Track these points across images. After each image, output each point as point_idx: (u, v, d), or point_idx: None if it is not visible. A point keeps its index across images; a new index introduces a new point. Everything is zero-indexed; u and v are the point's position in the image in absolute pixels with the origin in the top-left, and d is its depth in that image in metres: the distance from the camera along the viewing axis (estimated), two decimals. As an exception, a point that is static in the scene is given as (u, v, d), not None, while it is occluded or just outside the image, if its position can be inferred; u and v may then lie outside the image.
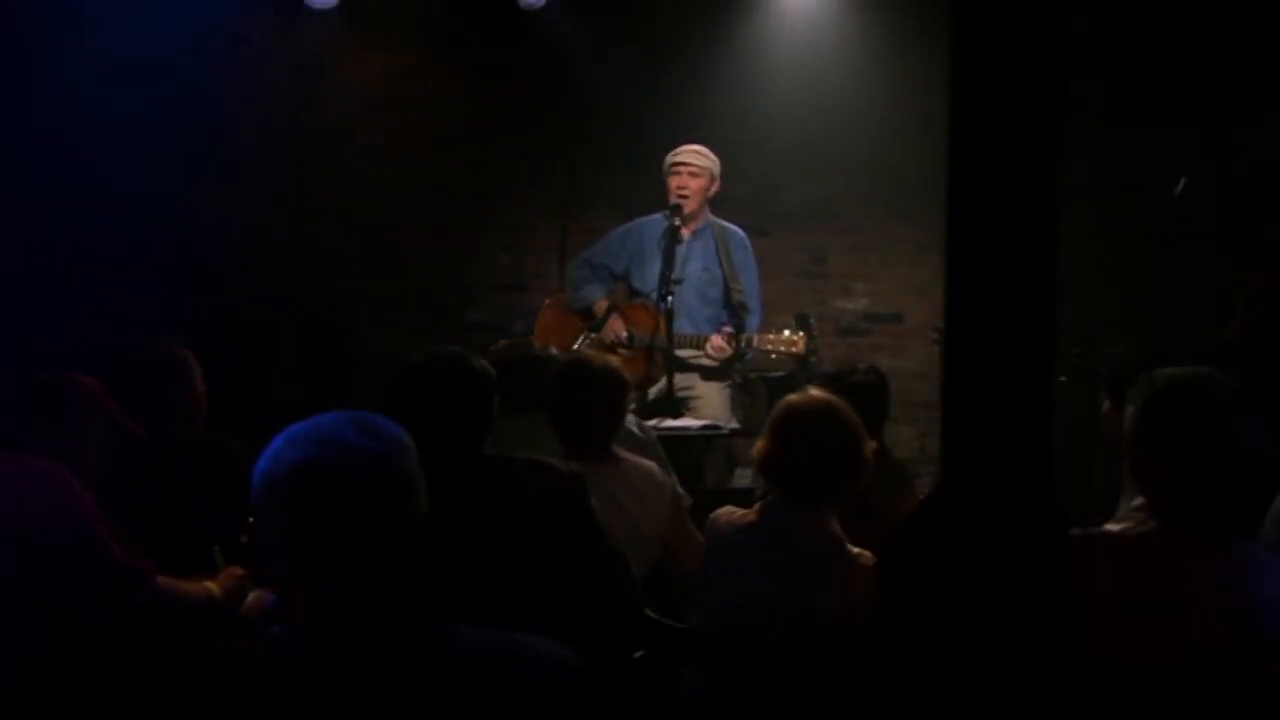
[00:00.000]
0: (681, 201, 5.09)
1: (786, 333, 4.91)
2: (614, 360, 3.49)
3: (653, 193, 5.41)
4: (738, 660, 2.89)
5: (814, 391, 3.11)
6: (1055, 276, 1.67)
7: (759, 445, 3.02)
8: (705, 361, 5.06)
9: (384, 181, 6.58)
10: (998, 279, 1.64)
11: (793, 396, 3.05)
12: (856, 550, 2.93)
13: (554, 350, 3.84)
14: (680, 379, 5.01)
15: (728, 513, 3.07)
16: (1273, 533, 3.64)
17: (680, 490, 3.56)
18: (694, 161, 5.17)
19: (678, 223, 4.99)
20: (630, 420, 3.98)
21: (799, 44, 6.43)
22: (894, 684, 1.85)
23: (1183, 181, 5.43)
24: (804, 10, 6.40)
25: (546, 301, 5.47)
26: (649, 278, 5.04)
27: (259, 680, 1.53)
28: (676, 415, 4.90)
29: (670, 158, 5.21)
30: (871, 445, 3.02)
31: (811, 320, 6.07)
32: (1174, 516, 2.42)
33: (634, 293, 5.25)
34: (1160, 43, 5.74)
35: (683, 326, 5.04)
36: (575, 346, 4.98)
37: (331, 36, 6.55)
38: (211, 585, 2.92)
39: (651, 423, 4.55)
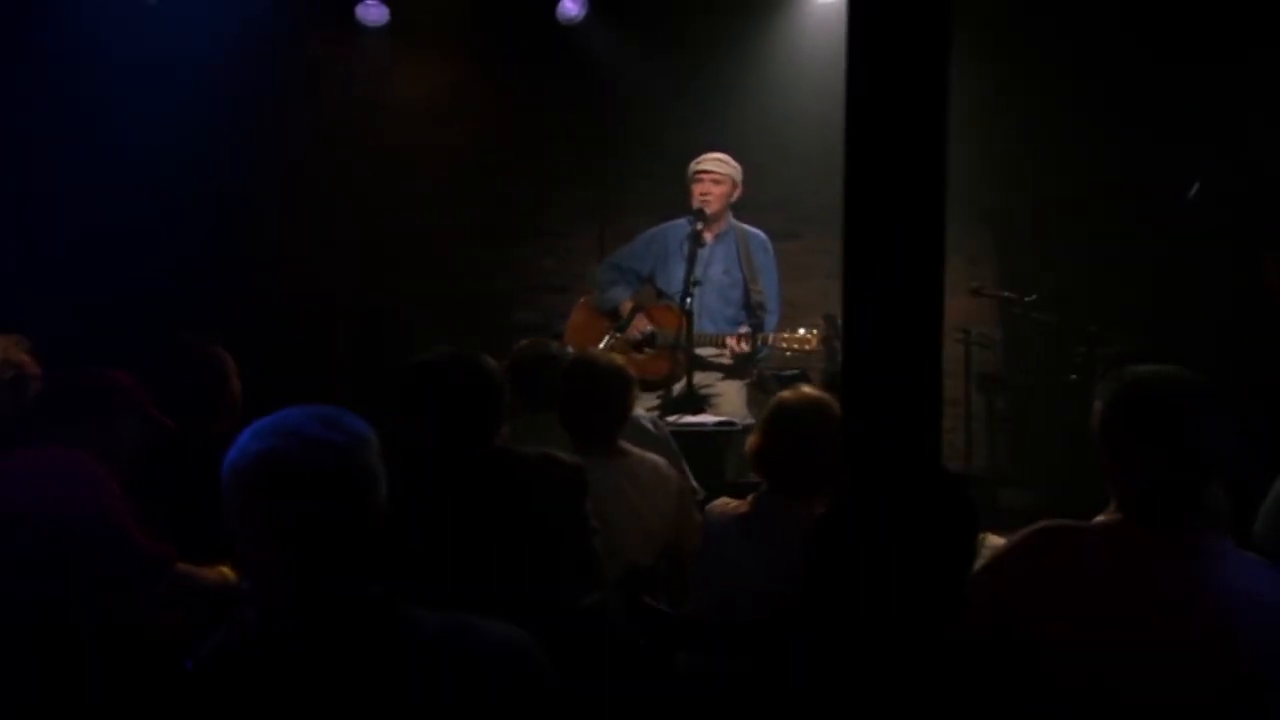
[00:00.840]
0: (704, 206, 5.11)
1: (801, 331, 4.92)
2: (619, 359, 3.52)
3: (686, 197, 5.42)
4: (728, 645, 2.92)
5: (805, 389, 3.12)
6: (940, 269, 1.68)
7: (751, 439, 3.05)
8: (725, 360, 5.07)
9: (433, 189, 6.68)
10: (889, 273, 1.65)
11: (784, 393, 3.07)
12: (847, 541, 2.95)
13: (571, 350, 3.87)
14: (701, 377, 5.02)
15: (722, 504, 3.10)
16: (1264, 527, 3.63)
17: (693, 484, 3.59)
18: (716, 169, 5.19)
19: (699, 227, 5.00)
20: (645, 417, 4.03)
21: (824, 52, 6.41)
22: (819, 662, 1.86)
23: (1197, 185, 5.37)
24: (828, 19, 6.39)
25: (580, 302, 5.51)
26: (673, 279, 5.06)
27: (230, 662, 1.57)
28: (697, 411, 4.92)
29: (693, 165, 5.23)
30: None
31: (839, 321, 6.09)
32: (1137, 509, 2.42)
33: (659, 294, 5.29)
34: (1173, 43, 5.67)
35: (704, 326, 5.08)
36: (601, 345, 5.01)
37: (383, 52, 6.65)
38: (228, 571, 2.98)
39: (671, 418, 4.59)
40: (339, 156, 6.50)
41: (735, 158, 5.65)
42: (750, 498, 3.06)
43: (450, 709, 1.56)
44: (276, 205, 6.30)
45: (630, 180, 6.69)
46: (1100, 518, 3.26)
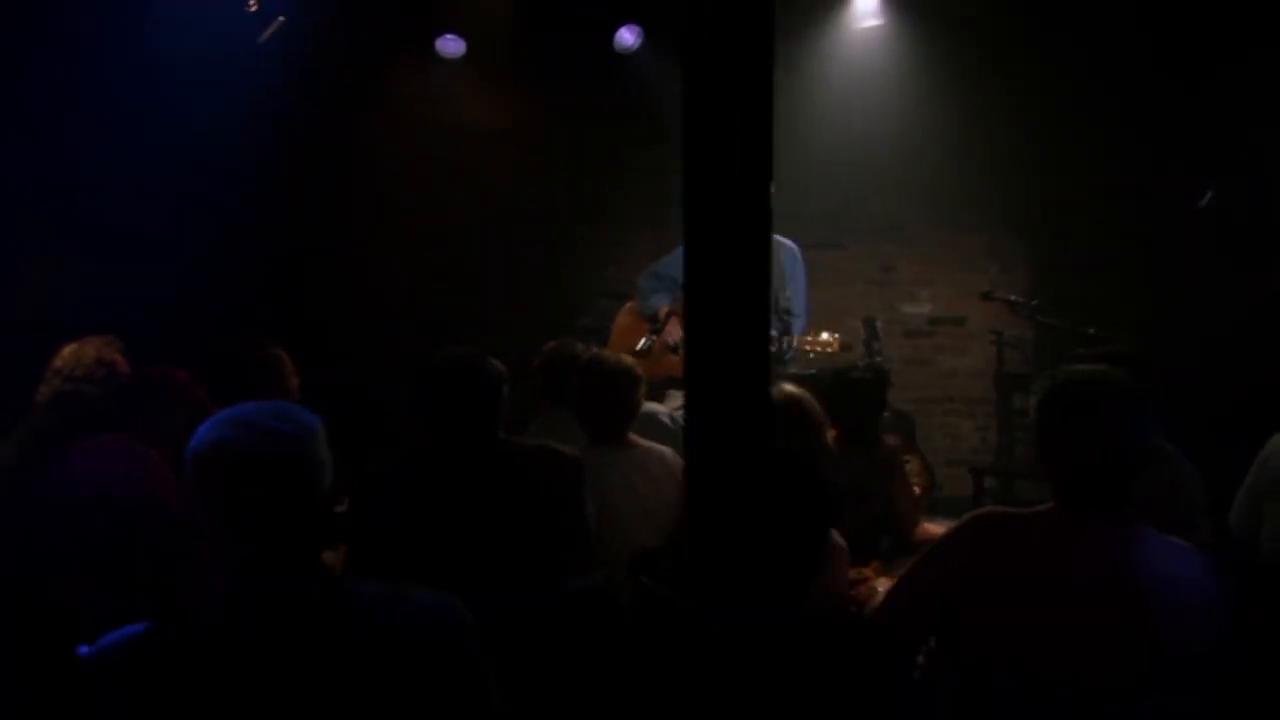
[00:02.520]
0: (737, 219, 5.17)
1: (825, 335, 4.95)
2: (629, 359, 3.59)
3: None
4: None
5: (786, 386, 3.18)
6: (767, 272, 1.78)
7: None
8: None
9: (502, 204, 6.79)
10: (723, 276, 1.75)
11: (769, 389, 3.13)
12: (822, 528, 3.01)
13: (595, 351, 3.96)
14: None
15: None
16: (1237, 516, 3.61)
17: None
18: (749, 184, 5.24)
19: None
20: (663, 412, 4.11)
21: (866, 73, 6.47)
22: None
23: (1210, 193, 5.31)
24: (867, 43, 6.43)
25: (625, 307, 5.60)
26: None
27: (195, 628, 1.65)
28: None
29: (728, 181, 5.28)
30: (832, 434, 3.08)
31: (877, 323, 6.13)
32: (1067, 497, 2.46)
33: (696, 300, 5.36)
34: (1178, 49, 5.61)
35: (737, 330, 5.14)
36: (638, 347, 5.09)
37: (458, 80, 6.81)
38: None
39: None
40: (419, 174, 6.66)
41: (782, 174, 5.65)
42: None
43: (385, 670, 1.63)
44: (360, 218, 6.49)
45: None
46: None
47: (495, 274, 6.80)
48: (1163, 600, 2.35)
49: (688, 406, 1.84)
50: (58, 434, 3.35)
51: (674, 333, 5.26)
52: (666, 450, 3.56)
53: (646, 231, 6.60)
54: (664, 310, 5.33)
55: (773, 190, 5.18)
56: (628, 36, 6.53)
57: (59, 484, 2.95)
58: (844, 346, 4.92)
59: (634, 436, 3.54)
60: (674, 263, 5.45)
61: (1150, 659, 2.32)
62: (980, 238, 6.76)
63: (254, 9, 6.22)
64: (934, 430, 6.73)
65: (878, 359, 6.04)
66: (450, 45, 6.72)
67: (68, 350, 3.74)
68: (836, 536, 3.01)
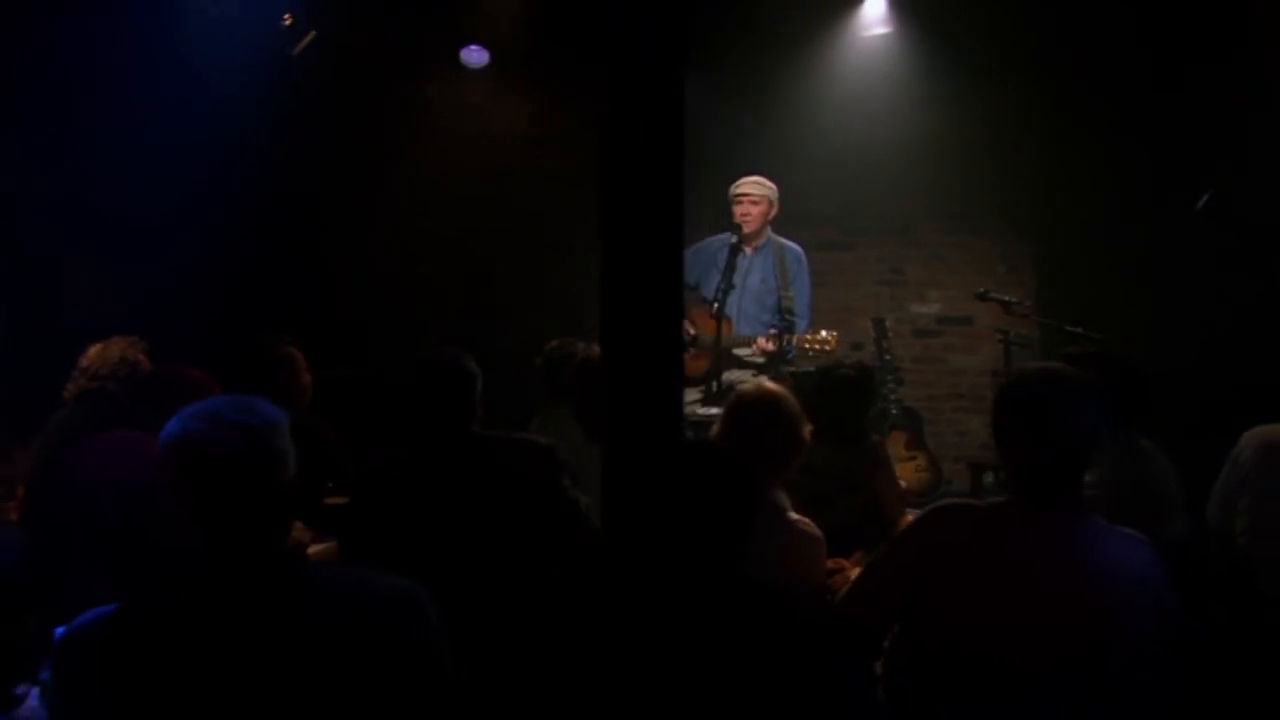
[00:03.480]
0: (743, 225, 5.23)
1: (823, 333, 4.98)
2: None
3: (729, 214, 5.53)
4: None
5: (766, 383, 3.22)
6: (678, 282, 1.82)
7: (714, 428, 3.17)
8: (757, 359, 5.17)
9: (523, 207, 6.85)
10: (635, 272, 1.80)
11: (743, 387, 3.17)
12: (796, 517, 3.04)
13: (592, 349, 4.00)
14: (739, 373, 5.14)
15: None
16: (1214, 510, 3.61)
17: None
18: (753, 191, 5.30)
19: (735, 240, 5.11)
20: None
21: (874, 79, 6.47)
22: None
23: (1206, 195, 5.28)
24: (874, 51, 6.45)
25: (638, 308, 5.65)
26: (715, 288, 5.17)
27: (164, 607, 1.72)
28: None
29: (733, 188, 5.34)
30: (808, 429, 3.11)
31: (887, 323, 6.15)
32: (1020, 489, 2.49)
33: (703, 300, 5.40)
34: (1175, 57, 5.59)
35: (742, 329, 5.20)
36: None
37: (484, 89, 6.88)
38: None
39: (703, 410, 4.72)
40: (444, 179, 6.73)
41: (794, 178, 5.75)
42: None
43: (343, 651, 1.68)
44: (388, 222, 6.57)
45: (704, 196, 6.76)
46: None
47: (519, 275, 6.85)
48: (1111, 588, 2.38)
49: (609, 402, 1.89)
50: (80, 429, 3.47)
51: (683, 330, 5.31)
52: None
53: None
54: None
55: (772, 196, 5.28)
56: (644, 46, 6.56)
57: (74, 476, 3.06)
58: (849, 345, 4.93)
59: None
60: (684, 264, 5.48)
61: (1100, 645, 2.35)
62: (987, 240, 6.75)
63: (288, 23, 6.36)
64: (943, 427, 6.72)
65: (887, 358, 6.07)
66: (474, 55, 6.80)
67: (94, 350, 3.85)
68: (812, 528, 3.06)
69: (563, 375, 3.82)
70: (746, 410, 3.07)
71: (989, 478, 5.68)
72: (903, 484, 4.00)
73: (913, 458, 5.86)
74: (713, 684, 1.76)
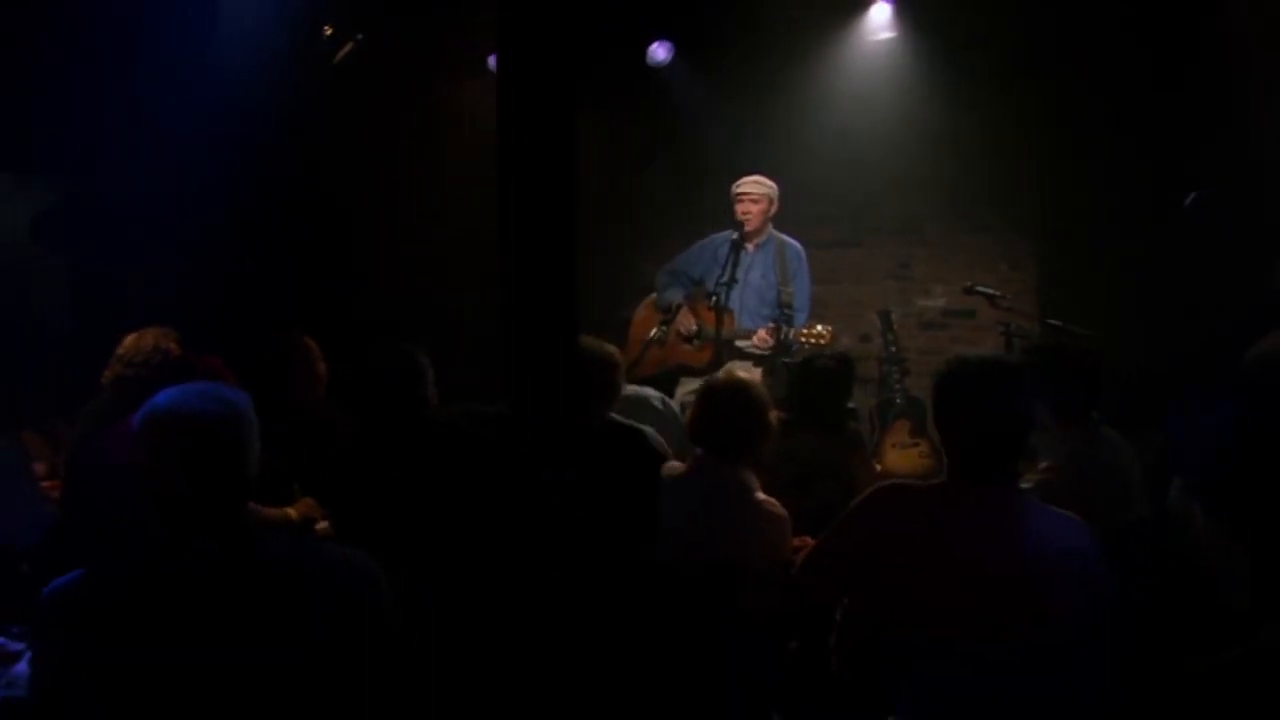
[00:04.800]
0: (745, 222, 5.29)
1: (819, 327, 5.03)
2: (609, 346, 3.71)
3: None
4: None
5: (738, 372, 3.29)
6: (573, 283, 1.89)
7: (688, 413, 3.25)
8: (755, 350, 5.24)
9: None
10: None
11: (715, 375, 3.26)
12: (763, 498, 3.12)
13: (596, 339, 4.01)
14: (740, 364, 5.21)
15: (671, 467, 3.30)
16: (1175, 498, 3.64)
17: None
18: (753, 190, 5.36)
19: (736, 237, 5.18)
20: (655, 396, 4.24)
21: (882, 83, 6.49)
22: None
23: (1193, 195, 5.28)
24: (879, 55, 6.47)
25: (646, 300, 5.74)
26: (716, 283, 5.25)
27: (126, 575, 1.81)
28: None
29: (734, 188, 5.40)
30: (775, 415, 3.19)
31: (892, 316, 6.19)
32: (957, 469, 2.57)
33: (708, 295, 5.46)
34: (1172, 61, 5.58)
35: (744, 322, 5.27)
36: (651, 335, 5.22)
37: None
38: (290, 511, 3.36)
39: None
40: (474, 179, 6.81)
41: (807, 179, 5.80)
42: (689, 461, 3.27)
43: (296, 618, 1.78)
44: (419, 221, 6.70)
45: (714, 194, 6.85)
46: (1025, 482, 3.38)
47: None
48: (1040, 562, 2.44)
49: (507, 386, 1.98)
50: (115, 413, 3.62)
51: (685, 323, 5.39)
52: (647, 429, 3.68)
53: (675, 229, 6.71)
54: (676, 304, 5.44)
55: (772, 194, 5.34)
56: (660, 51, 6.65)
57: (104, 460, 3.21)
58: (859, 336, 4.97)
59: (614, 416, 3.68)
60: (687, 260, 5.58)
61: (1030, 615, 2.41)
62: (991, 238, 6.75)
63: (329, 34, 6.50)
64: (948, 416, 6.73)
65: (892, 349, 6.11)
66: (501, 61, 6.90)
67: (129, 339, 3.99)
68: (778, 508, 3.14)
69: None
70: (717, 397, 3.16)
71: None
72: (902, 469, 4.06)
73: (915, 444, 5.88)
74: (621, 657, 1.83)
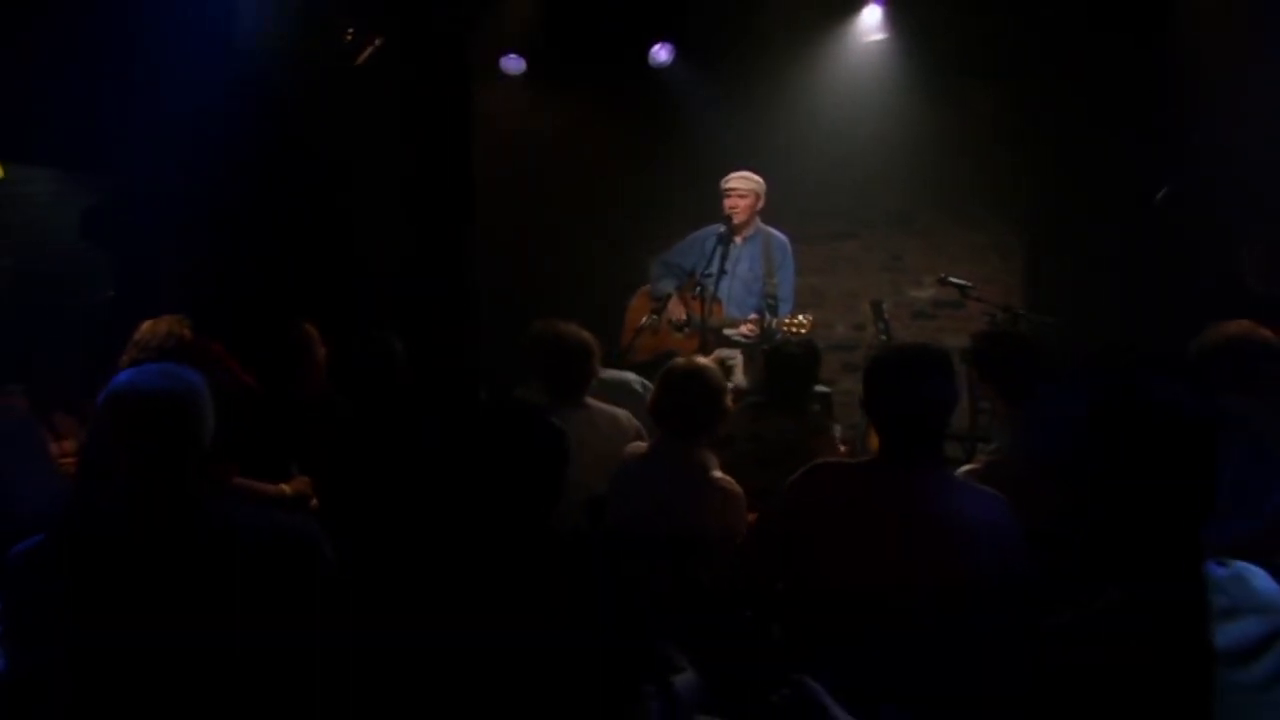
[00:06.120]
0: (732, 216, 5.35)
1: (800, 317, 5.08)
2: (585, 333, 3.80)
3: (764, 202, 5.61)
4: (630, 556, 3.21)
5: (694, 358, 3.35)
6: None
7: (649, 397, 3.33)
8: (742, 339, 5.31)
9: (557, 203, 7.04)
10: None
11: (675, 360, 3.32)
12: (719, 475, 3.19)
13: (574, 328, 4.12)
14: (727, 351, 5.30)
15: (634, 447, 3.40)
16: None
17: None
18: (740, 185, 5.41)
19: (723, 229, 5.25)
20: (635, 380, 4.32)
21: (874, 82, 6.54)
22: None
23: (1165, 189, 5.29)
24: (871, 55, 6.52)
25: (641, 290, 5.81)
26: (701, 274, 5.32)
27: (84, 537, 1.90)
28: (728, 378, 5.18)
29: (723, 183, 5.45)
30: (729, 397, 3.26)
31: (884, 305, 6.23)
32: (884, 449, 2.64)
33: (695, 285, 5.53)
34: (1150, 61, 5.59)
35: (732, 312, 5.34)
36: (643, 322, 5.30)
37: (518, 94, 7.08)
38: (285, 488, 3.48)
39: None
40: (482, 177, 6.91)
41: (801, 172, 5.79)
42: (650, 442, 3.35)
43: (239, 578, 1.86)
44: (433, 222, 6.76)
45: (714, 191, 6.93)
46: (974, 463, 3.43)
47: (550, 264, 7.02)
48: (959, 536, 2.49)
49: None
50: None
51: (676, 312, 5.46)
52: (622, 412, 3.76)
53: (675, 223, 6.76)
54: (668, 294, 5.51)
55: (759, 189, 5.39)
56: (662, 53, 6.72)
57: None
58: (853, 325, 5.02)
59: (590, 399, 3.77)
60: (680, 252, 5.65)
61: (948, 588, 2.48)
62: (981, 230, 6.78)
63: (349, 38, 6.62)
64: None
65: (883, 337, 6.15)
66: (512, 63, 7.01)
67: (146, 325, 4.11)
68: (734, 485, 3.20)
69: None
70: (674, 381, 3.22)
71: (954, 448, 5.76)
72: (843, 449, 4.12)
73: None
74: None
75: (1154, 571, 1.60)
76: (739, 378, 5.18)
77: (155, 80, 5.40)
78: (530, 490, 1.97)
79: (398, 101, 6.25)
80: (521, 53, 6.98)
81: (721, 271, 5.15)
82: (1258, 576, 1.65)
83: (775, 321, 5.14)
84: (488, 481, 1.95)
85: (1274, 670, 1.57)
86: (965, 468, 3.31)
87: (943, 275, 5.47)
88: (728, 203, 5.39)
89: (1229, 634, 1.56)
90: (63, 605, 1.84)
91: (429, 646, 1.76)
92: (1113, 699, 1.53)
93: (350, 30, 6.65)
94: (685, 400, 3.19)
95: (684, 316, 5.40)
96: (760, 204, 5.47)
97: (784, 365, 3.85)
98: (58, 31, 5.36)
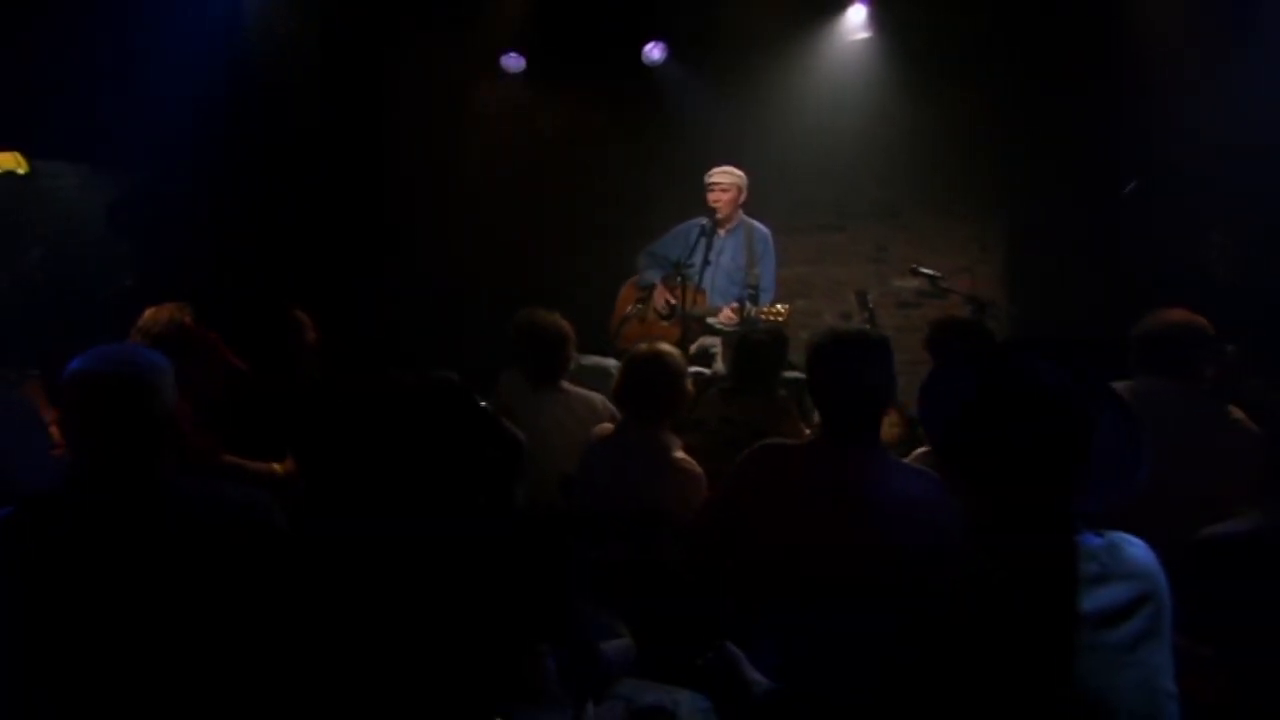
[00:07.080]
0: (715, 208, 5.41)
1: (778, 306, 5.12)
2: (563, 321, 3.87)
3: (755, 196, 5.70)
4: (597, 534, 3.27)
5: (657, 344, 3.39)
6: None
7: (614, 382, 3.41)
8: (723, 326, 5.37)
9: (557, 197, 7.08)
10: None
11: (638, 346, 3.39)
12: (680, 456, 3.25)
13: (553, 316, 4.18)
14: (710, 339, 5.37)
15: (601, 428, 3.47)
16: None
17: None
18: (723, 179, 5.47)
19: (706, 223, 5.31)
20: (613, 365, 4.40)
21: (859, 79, 6.58)
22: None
23: (1134, 182, 5.33)
24: (857, 53, 6.56)
25: (630, 280, 5.87)
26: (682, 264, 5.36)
27: (44, 512, 1.94)
28: (709, 364, 5.27)
29: (706, 177, 5.50)
30: (689, 383, 3.33)
31: (869, 295, 6.28)
32: (825, 429, 2.71)
33: (678, 275, 5.57)
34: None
35: (716, 300, 5.41)
36: (628, 311, 5.38)
37: (519, 91, 7.12)
38: (276, 466, 3.56)
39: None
40: (485, 173, 6.99)
41: (789, 165, 5.87)
42: (616, 425, 3.43)
43: (189, 549, 1.90)
44: (436, 213, 6.87)
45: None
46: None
47: (548, 254, 7.03)
48: (893, 511, 2.57)
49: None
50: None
51: (660, 301, 5.53)
52: (597, 396, 3.84)
53: (669, 217, 6.81)
54: (653, 284, 5.58)
55: (741, 183, 5.45)
56: (655, 52, 6.77)
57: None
58: (840, 314, 5.07)
59: (565, 383, 3.85)
60: (665, 244, 5.70)
61: (881, 560, 2.54)
62: (964, 222, 6.82)
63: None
64: (918, 388, 6.81)
65: (868, 326, 6.20)
66: (513, 62, 7.05)
67: (149, 312, 4.19)
68: (694, 466, 3.27)
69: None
70: (637, 367, 3.30)
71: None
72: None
73: (886, 414, 5.99)
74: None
75: (1022, 541, 1.67)
76: (719, 365, 5.24)
77: (160, 81, 5.52)
78: (442, 457, 2.03)
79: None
80: (521, 51, 7.02)
81: (705, 262, 5.21)
82: (1133, 545, 1.72)
83: (755, 310, 5.20)
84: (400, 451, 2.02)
85: (1140, 631, 1.64)
86: (920, 450, 3.37)
87: (914, 266, 5.51)
88: (711, 196, 5.45)
89: (1099, 598, 1.64)
90: (30, 579, 1.88)
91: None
92: (981, 657, 1.60)
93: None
94: (646, 384, 3.26)
95: (671, 304, 5.46)
96: (743, 197, 5.53)
97: (751, 352, 3.92)
98: (77, 39, 5.48)
